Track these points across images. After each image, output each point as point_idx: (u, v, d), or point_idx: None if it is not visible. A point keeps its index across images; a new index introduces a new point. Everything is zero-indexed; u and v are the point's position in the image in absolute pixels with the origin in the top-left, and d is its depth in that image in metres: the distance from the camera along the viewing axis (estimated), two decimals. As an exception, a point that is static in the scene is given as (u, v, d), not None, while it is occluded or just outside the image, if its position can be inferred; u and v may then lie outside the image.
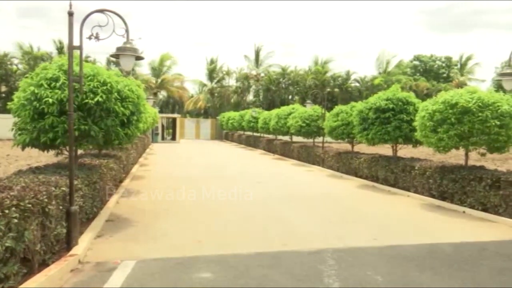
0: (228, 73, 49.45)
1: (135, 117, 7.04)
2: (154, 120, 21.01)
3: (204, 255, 5.37)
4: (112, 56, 6.31)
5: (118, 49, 6.00)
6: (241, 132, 35.72)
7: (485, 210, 8.13)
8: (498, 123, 8.29)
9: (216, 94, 49.13)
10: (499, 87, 15.31)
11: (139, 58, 6.26)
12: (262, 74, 48.92)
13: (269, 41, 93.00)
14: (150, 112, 16.58)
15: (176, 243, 5.97)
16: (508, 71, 7.94)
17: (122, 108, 6.57)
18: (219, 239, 6.22)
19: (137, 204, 8.72)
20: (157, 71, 46.26)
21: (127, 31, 5.87)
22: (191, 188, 10.82)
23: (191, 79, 51.62)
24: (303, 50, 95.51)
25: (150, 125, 17.62)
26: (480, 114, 8.35)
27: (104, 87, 6.36)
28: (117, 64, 32.34)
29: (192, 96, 50.70)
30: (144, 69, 46.76)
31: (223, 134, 43.66)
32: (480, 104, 8.46)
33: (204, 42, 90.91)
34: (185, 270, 4.83)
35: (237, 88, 49.20)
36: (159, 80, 46.14)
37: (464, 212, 8.45)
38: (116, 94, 6.49)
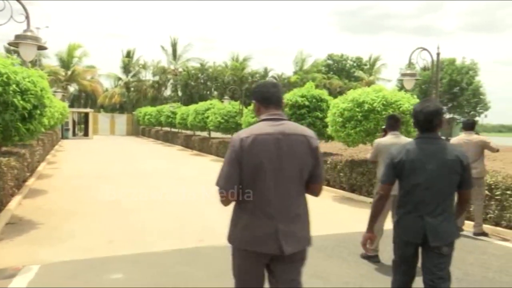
0: (145, 67, 47.99)
1: (38, 111, 6.53)
2: (63, 115, 19.71)
3: (116, 255, 5.16)
4: (10, 44, 5.79)
5: (17, 37, 5.54)
6: (159, 128, 34.86)
7: (388, 200, 8.77)
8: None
9: (132, 89, 47.46)
10: (402, 86, 16.56)
11: (41, 47, 5.82)
12: (180, 69, 48.15)
13: (188, 35, 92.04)
14: (58, 106, 15.51)
15: (86, 244, 5.67)
16: (409, 72, 8.61)
17: (22, 102, 6.06)
18: (133, 238, 6.02)
19: (43, 204, 8.13)
20: (66, 62, 43.30)
21: (27, 17, 5.43)
22: (104, 187, 10.34)
23: (105, 72, 49.17)
24: (223, 45, 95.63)
25: (58, 120, 16.49)
26: (384, 112, 8.96)
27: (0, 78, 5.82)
28: (20, 54, 29.73)
29: (106, 90, 48.34)
30: (52, 60, 43.70)
31: (139, 130, 42.27)
32: (384, 102, 9.09)
33: (119, 33, 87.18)
34: (95, 272, 4.60)
35: (154, 83, 47.90)
36: (69, 73, 43.32)
37: (371, 203, 9.03)
38: (14, 86, 5.96)
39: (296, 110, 12.09)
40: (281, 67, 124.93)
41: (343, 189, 10.30)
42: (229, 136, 19.95)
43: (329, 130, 10.34)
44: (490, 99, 48.97)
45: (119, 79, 48.22)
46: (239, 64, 49.23)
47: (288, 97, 12.57)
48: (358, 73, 55.20)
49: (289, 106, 12.24)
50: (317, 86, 15.99)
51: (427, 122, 3.01)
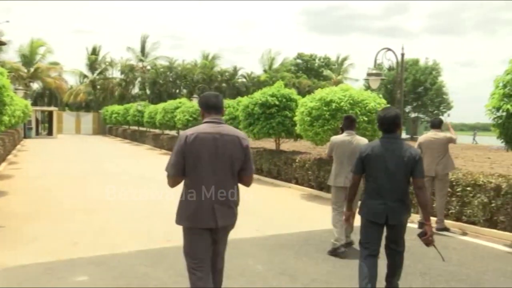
0: (111, 64, 46.96)
1: (-3, 110, 6.30)
2: (25, 113, 19.07)
3: (80, 258, 5.04)
4: (-34, 39, 5.54)
5: (-25, 32, 5.29)
6: (126, 127, 34.25)
7: (355, 198, 8.94)
8: (366, 119, 9.15)
9: (98, 87, 46.36)
10: (369, 86, 16.91)
11: (1, 43, 5.59)
12: (149, 67, 47.41)
13: (157, 33, 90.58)
14: (20, 105, 14.99)
15: (49, 247, 5.50)
16: (374, 72, 8.80)
17: (-20, 99, 5.84)
18: (98, 240, 5.89)
19: (4, 206, 7.84)
20: (28, 59, 41.81)
21: (-15, 12, 5.20)
22: (69, 187, 10.08)
23: (70, 69, 47.75)
24: (192, 43, 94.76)
25: (20, 119, 15.94)
26: (351, 111, 9.11)
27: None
28: (-21, 49, 28.65)
29: (71, 88, 47.02)
30: (13, 56, 42.09)
31: (106, 128, 41.40)
32: (351, 101, 9.25)
33: (85, 29, 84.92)
34: (58, 274, 4.48)
35: (121, 80, 46.96)
36: (32, 70, 41.87)
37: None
38: (-29, 83, 5.74)
39: (265, 109, 12.12)
40: (250, 66, 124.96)
41: (311, 187, 10.42)
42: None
43: (298, 129, 10.43)
44: (452, 99, 50.56)
45: (85, 76, 47.01)
46: (209, 62, 48.96)
47: (258, 96, 12.58)
48: (327, 72, 55.96)
49: (258, 105, 12.26)
50: (286, 85, 16.08)
51: (388, 126, 3.72)
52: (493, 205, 6.52)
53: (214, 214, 3.06)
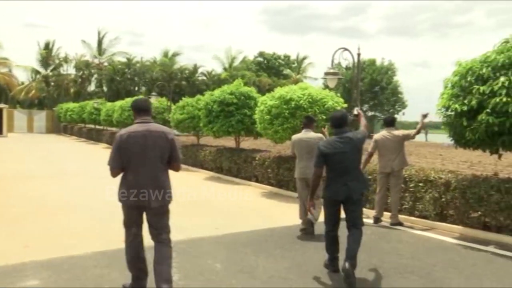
0: (66, 60, 45.29)
1: None
2: (-28, 110, 18.07)
3: (32, 261, 4.84)
4: None
5: None
6: (82, 125, 33.20)
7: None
8: (324, 117, 9.31)
9: (52, 83, 44.61)
10: (327, 85, 17.26)
11: None
12: (106, 63, 46.11)
13: (115, 28, 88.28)
14: (-34, 101, 14.20)
15: (-2, 250, 5.25)
16: (331, 71, 8.97)
17: None
18: (52, 242, 5.67)
19: None
20: (-25, 54, 39.71)
21: None
22: (21, 188, 9.66)
23: (21, 65, 45.63)
24: (151, 40, 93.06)
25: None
26: (310, 109, 9.25)
27: None
28: None
29: (22, 84, 44.98)
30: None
31: (61, 127, 39.96)
32: (310, 100, 9.39)
33: (38, 24, 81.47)
34: (8, 280, 4.28)
35: (77, 77, 45.43)
36: (-21, 65, 39.75)
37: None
38: None
39: (224, 107, 12.10)
40: (211, 64, 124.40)
41: (271, 184, 10.49)
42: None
43: (258, 127, 10.48)
44: (407, 98, 52.41)
45: (38, 72, 45.11)
46: (169, 59, 48.24)
47: (217, 94, 12.54)
48: (287, 71, 56.49)
49: (217, 103, 12.22)
50: (246, 84, 16.13)
51: (338, 122, 4.71)
52: (443, 199, 6.82)
53: (147, 197, 3.73)
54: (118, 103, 23.41)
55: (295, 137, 6.50)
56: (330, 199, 4.62)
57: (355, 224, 4.53)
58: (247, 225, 6.88)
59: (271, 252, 5.40)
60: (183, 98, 16.30)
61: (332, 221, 4.66)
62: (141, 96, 22.08)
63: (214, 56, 54.27)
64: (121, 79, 45.97)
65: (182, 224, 6.83)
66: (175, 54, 49.57)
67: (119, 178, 3.92)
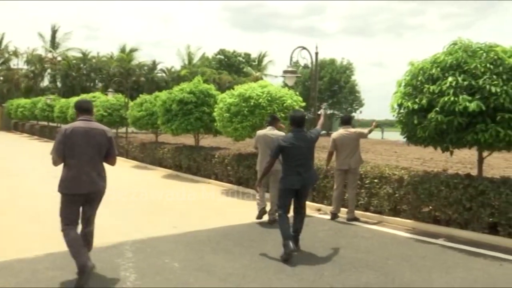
0: (16, 54, 43.24)
1: None
2: None
3: (-23, 265, 4.59)
4: None
5: None
6: (34, 122, 31.85)
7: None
8: (283, 115, 9.39)
9: (1, 78, 42.49)
10: (286, 83, 17.45)
11: None
12: (60, 58, 44.42)
13: (70, 22, 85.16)
14: None
15: None
16: (290, 69, 9.05)
17: None
18: (1, 245, 5.41)
19: None
20: None
21: None
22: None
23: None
24: (108, 34, 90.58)
25: None
26: (269, 107, 9.30)
27: None
28: None
29: (-33, 79, 42.61)
30: None
31: (11, 124, 38.16)
32: (269, 98, 9.43)
33: (-15, 15, 77.31)
34: (-51, 285, 4.04)
35: (28, 72, 43.50)
36: None
37: (255, 195, 9.35)
38: None
39: (183, 105, 11.96)
40: (171, 60, 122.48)
41: (231, 182, 10.48)
42: (113, 131, 19.03)
43: (217, 125, 10.42)
44: (364, 97, 53.87)
45: (-15, 67, 42.86)
46: (126, 55, 47.08)
47: (176, 92, 12.38)
48: (247, 69, 56.55)
49: (176, 102, 12.07)
50: (206, 81, 16.02)
51: (298, 122, 5.40)
52: (396, 195, 7.05)
53: (84, 184, 4.17)
54: (73, 99, 22.64)
55: (259, 132, 7.01)
56: (288, 188, 5.28)
57: (302, 208, 5.46)
58: (206, 223, 6.84)
59: (229, 250, 5.39)
60: (140, 95, 15.96)
61: (286, 206, 5.35)
62: (83, 96, 21.86)
63: (177, 51, 53.31)
64: (77, 75, 44.44)
65: (139, 223, 6.72)
66: (133, 50, 48.44)
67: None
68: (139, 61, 48.05)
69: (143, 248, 5.34)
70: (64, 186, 4.17)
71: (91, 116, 4.41)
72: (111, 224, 6.51)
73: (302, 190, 5.33)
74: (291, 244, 5.01)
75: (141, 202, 8.44)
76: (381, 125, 43.17)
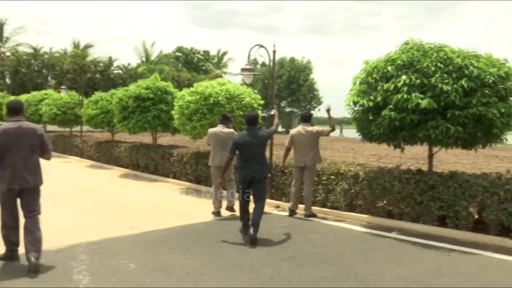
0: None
1: None
2: None
3: None
4: None
5: None
6: (-19, 121, 30.21)
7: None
8: (241, 113, 9.39)
9: None
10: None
11: None
12: (8, 53, 42.35)
13: (20, 15, 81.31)
14: None
15: None
16: (248, 67, 9.05)
17: None
18: None
19: None
20: None
21: None
22: None
23: None
24: (61, 29, 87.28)
25: None
26: (227, 105, 9.26)
27: None
28: None
29: None
30: None
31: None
32: (227, 96, 9.39)
33: None
34: None
35: (-26, 68, 41.20)
36: None
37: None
38: None
39: (140, 102, 11.72)
40: (127, 57, 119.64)
41: (189, 181, 10.38)
42: (67, 129, 18.42)
43: (175, 123, 10.27)
44: (322, 95, 54.82)
45: None
46: (80, 51, 45.53)
47: (132, 89, 12.09)
48: (207, 66, 56.16)
49: (132, 99, 11.80)
50: (165, 78, 15.74)
51: (250, 122, 6.02)
52: (352, 191, 7.22)
53: (20, 180, 4.50)
54: (23, 96, 21.69)
55: (211, 130, 7.55)
56: (242, 179, 6.03)
57: (259, 198, 5.91)
58: (163, 222, 6.74)
59: (187, 249, 5.34)
60: (96, 93, 15.50)
61: (243, 195, 6.00)
62: (35, 94, 21.23)
63: (135, 48, 52.04)
64: (27, 71, 42.50)
65: (93, 224, 6.52)
66: (87, 46, 46.91)
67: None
68: (94, 57, 46.61)
69: (98, 250, 5.19)
70: (2, 183, 4.50)
71: (21, 116, 4.66)
72: (63, 226, 6.30)
73: (254, 181, 5.89)
74: (242, 228, 6.01)
75: (96, 202, 8.19)
76: (340, 122, 44.17)
